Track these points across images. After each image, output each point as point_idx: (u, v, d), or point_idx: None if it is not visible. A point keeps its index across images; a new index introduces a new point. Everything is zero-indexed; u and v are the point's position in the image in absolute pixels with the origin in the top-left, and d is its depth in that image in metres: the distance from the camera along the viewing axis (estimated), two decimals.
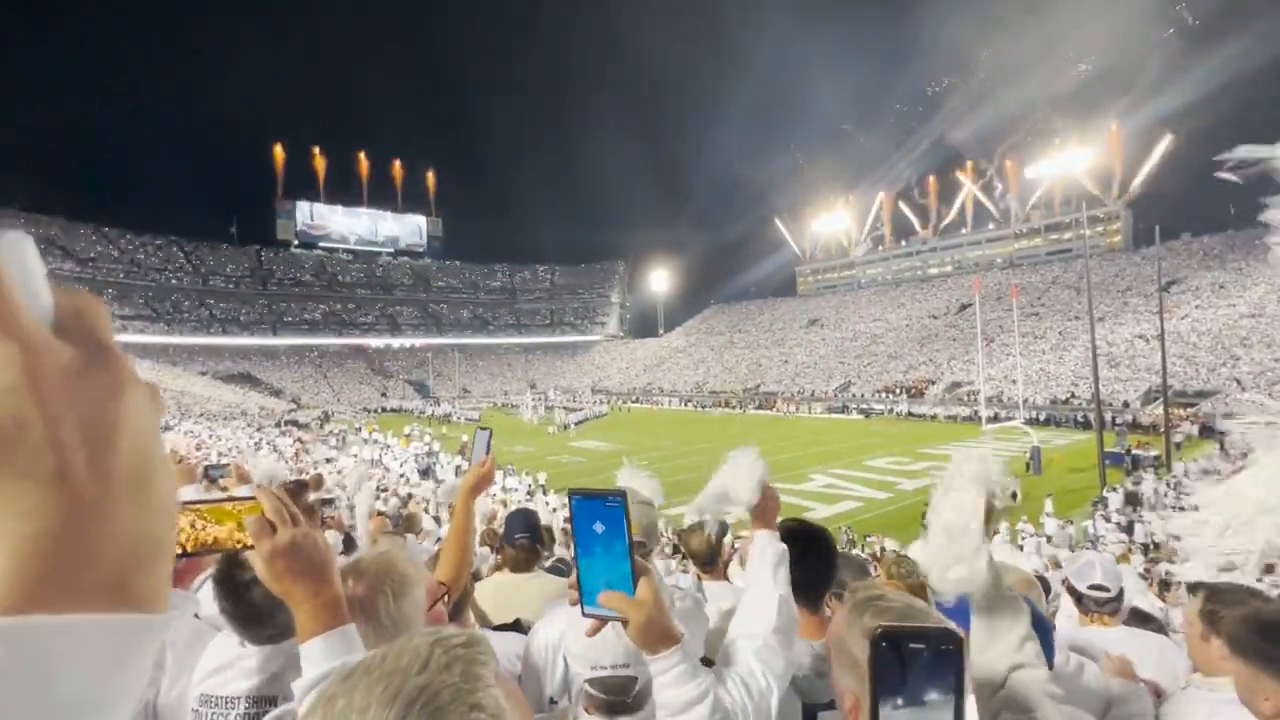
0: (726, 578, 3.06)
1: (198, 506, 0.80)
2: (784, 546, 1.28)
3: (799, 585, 1.52)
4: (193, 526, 0.78)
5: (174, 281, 72.81)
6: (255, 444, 17.95)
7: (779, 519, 1.43)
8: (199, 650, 1.28)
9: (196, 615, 1.46)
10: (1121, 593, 2.33)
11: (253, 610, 1.14)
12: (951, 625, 1.37)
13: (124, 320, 60.55)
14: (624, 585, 0.79)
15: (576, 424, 39.75)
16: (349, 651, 0.83)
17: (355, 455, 22.09)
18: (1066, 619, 2.91)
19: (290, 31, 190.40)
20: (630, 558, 0.78)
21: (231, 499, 0.82)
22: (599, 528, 0.78)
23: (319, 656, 0.82)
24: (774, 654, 1.12)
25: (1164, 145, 64.68)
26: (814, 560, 1.55)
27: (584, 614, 0.82)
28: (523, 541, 2.37)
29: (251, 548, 0.80)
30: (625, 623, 0.82)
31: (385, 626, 1.03)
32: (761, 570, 1.24)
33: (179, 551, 0.78)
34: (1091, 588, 2.29)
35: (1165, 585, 5.91)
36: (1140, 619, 2.76)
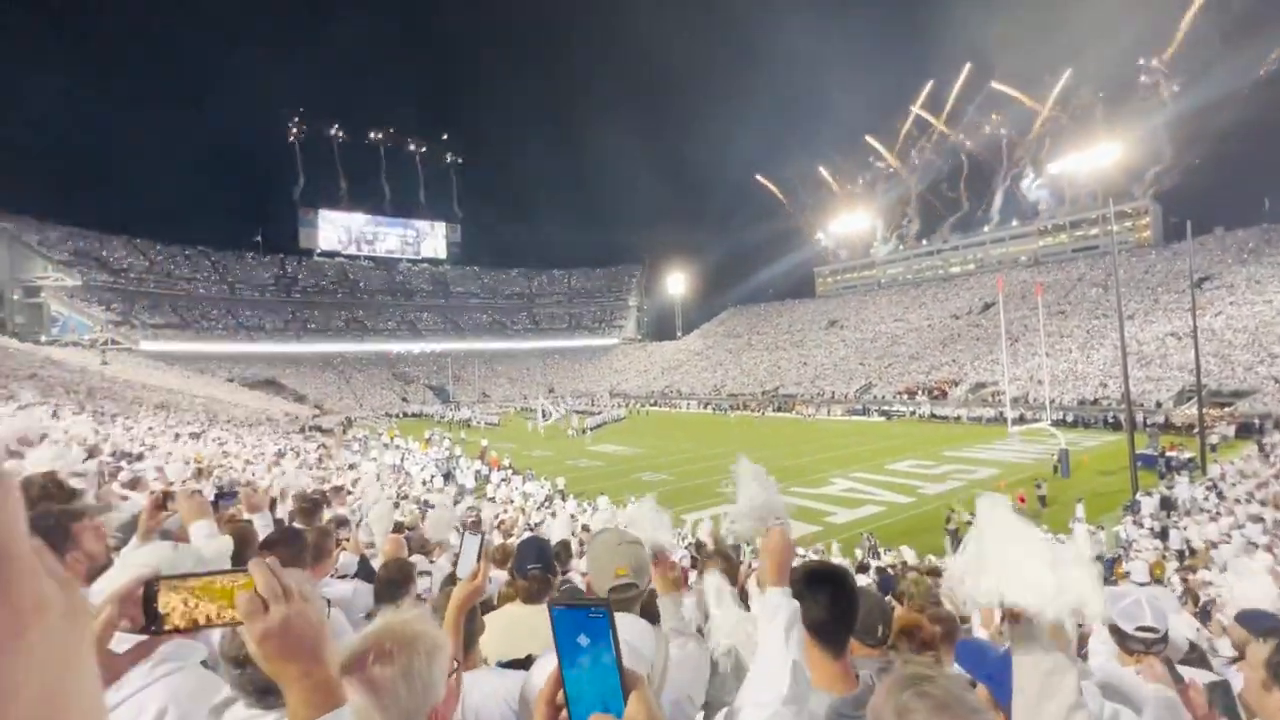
0: (745, 602, 3.01)
1: (187, 583, 0.77)
2: (797, 604, 1.21)
3: (820, 631, 1.46)
4: (185, 604, 0.76)
5: (202, 290, 74.62)
6: (279, 452, 18.24)
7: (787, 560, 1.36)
8: (204, 703, 1.25)
9: (204, 662, 1.44)
10: (1168, 631, 2.17)
11: (264, 680, 1.12)
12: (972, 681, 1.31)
13: (155, 329, 62.26)
14: (614, 700, 0.76)
15: (594, 428, 39.82)
16: None
17: (375, 460, 22.37)
18: (1101, 644, 2.69)
19: (308, 41, 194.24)
20: (619, 670, 0.75)
21: (220, 572, 0.80)
22: (583, 640, 0.75)
23: None
24: None
25: (1196, 137, 63.04)
26: (835, 605, 1.48)
27: None
28: (535, 572, 2.32)
29: (242, 623, 0.77)
30: None
31: (416, 690, 1.04)
32: (773, 632, 1.16)
33: (171, 628, 0.76)
34: (1139, 629, 2.12)
35: (1206, 613, 5.66)
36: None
